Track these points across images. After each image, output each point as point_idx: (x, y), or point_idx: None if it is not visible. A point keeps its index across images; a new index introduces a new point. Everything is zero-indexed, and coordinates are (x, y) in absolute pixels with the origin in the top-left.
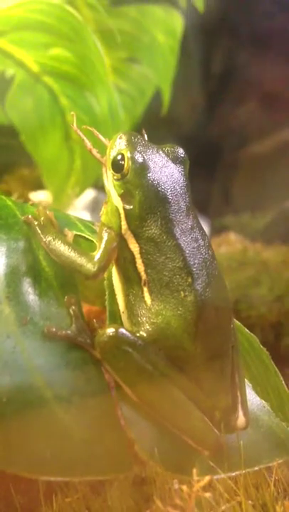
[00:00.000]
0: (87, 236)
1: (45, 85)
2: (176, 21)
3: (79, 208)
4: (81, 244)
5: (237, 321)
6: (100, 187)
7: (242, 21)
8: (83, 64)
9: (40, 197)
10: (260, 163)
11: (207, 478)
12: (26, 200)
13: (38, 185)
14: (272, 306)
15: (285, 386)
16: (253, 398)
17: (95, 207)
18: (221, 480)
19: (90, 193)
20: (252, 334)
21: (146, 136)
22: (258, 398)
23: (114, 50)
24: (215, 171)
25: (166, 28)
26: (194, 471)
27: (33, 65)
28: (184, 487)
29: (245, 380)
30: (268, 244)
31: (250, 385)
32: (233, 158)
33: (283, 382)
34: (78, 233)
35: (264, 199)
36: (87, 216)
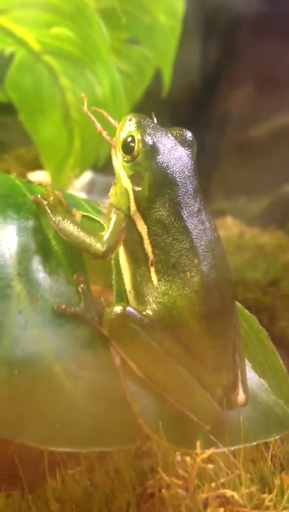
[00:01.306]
0: (93, 217)
1: (45, 64)
2: (177, 2)
3: (76, 189)
4: (86, 225)
5: (238, 303)
6: (97, 169)
7: (242, 3)
8: (85, 44)
9: (39, 177)
10: (257, 147)
11: (210, 450)
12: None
13: (37, 165)
14: (267, 290)
15: (283, 365)
16: (252, 377)
17: (91, 188)
18: (221, 454)
19: (87, 175)
20: (252, 315)
21: (155, 119)
22: (256, 377)
23: (115, 31)
24: (212, 154)
25: (168, 9)
26: (198, 443)
27: (34, 43)
28: (188, 458)
29: (245, 359)
30: (264, 228)
31: (250, 364)
32: (230, 142)
33: (281, 361)
34: (85, 214)
35: (261, 183)
36: (83, 197)
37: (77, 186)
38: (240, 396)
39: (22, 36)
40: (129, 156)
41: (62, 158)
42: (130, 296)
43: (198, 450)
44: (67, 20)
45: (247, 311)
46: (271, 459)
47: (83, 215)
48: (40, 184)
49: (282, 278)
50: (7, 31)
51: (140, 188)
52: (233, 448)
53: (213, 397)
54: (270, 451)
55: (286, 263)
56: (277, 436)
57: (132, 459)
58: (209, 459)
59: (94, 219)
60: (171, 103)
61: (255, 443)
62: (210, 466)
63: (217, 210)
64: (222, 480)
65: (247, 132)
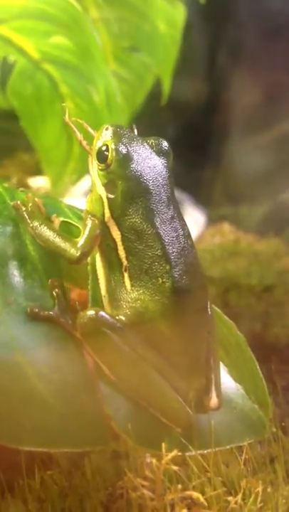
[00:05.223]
0: (74, 223)
1: (45, 72)
2: (178, 10)
3: (77, 194)
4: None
5: (217, 309)
6: None
7: (245, 10)
8: (82, 53)
9: (39, 183)
10: (258, 154)
11: (174, 452)
12: (26, 185)
13: (38, 171)
14: (261, 296)
15: (259, 370)
16: (228, 381)
17: None
18: (193, 457)
19: (88, 181)
20: (230, 321)
21: (136, 130)
22: (233, 382)
23: (116, 39)
24: (213, 160)
25: (168, 17)
26: (163, 445)
27: (33, 52)
28: (154, 460)
29: (222, 364)
30: (261, 235)
31: (226, 368)
32: (231, 148)
33: (258, 366)
34: (66, 219)
35: (260, 191)
36: (84, 203)
37: (79, 192)
38: (213, 400)
39: (21, 45)
40: (103, 165)
41: (61, 164)
42: (105, 301)
43: (164, 452)
44: (65, 30)
45: (226, 317)
46: (244, 463)
47: (64, 221)
48: (23, 190)
49: (277, 285)
50: (7, 40)
51: (114, 196)
52: (205, 451)
53: (185, 401)
54: (243, 455)
55: (281, 270)
56: (251, 441)
57: (106, 462)
58: (184, 462)
59: (74, 225)
60: (176, 110)
61: (228, 447)
62: (174, 468)
63: (216, 216)
64: (193, 483)
65: (251, 139)
